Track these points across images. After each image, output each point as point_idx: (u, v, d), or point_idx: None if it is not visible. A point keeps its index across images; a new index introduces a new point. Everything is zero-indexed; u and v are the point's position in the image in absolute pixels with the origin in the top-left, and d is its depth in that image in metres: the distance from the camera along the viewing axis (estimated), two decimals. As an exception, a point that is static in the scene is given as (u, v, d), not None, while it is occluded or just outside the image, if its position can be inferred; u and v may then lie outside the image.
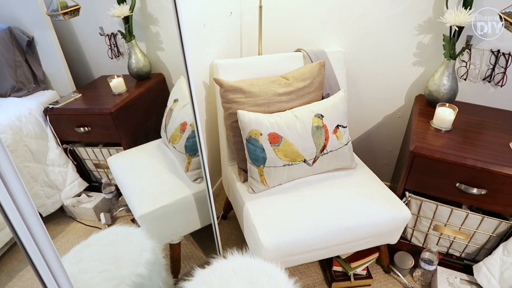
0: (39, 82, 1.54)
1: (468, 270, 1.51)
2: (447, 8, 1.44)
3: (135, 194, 1.47)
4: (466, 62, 1.56)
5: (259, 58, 1.64)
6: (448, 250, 1.59)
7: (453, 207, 1.43)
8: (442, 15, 1.42)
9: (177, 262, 1.59)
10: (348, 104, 1.88)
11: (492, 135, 1.42)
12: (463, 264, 1.56)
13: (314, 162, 1.45)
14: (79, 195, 1.70)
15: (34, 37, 1.46)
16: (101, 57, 1.72)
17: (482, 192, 1.32)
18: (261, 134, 1.38)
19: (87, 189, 1.73)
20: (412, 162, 1.39)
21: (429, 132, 1.45)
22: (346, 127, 1.50)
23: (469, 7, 1.37)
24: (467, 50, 1.52)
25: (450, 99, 1.53)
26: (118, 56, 1.73)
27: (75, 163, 1.66)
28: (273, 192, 1.45)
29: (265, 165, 1.40)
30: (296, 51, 1.71)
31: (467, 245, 1.51)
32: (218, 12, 1.73)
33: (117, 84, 1.65)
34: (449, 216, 1.46)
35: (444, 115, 1.44)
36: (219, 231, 1.90)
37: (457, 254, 1.58)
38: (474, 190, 1.32)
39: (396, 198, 1.42)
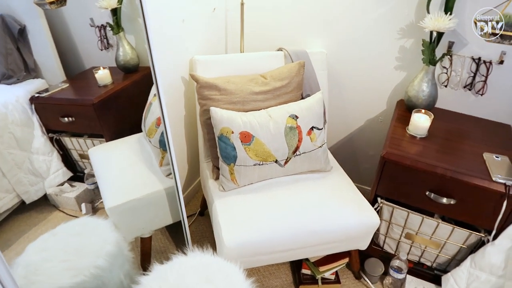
0: (30, 71, 1.55)
1: (438, 281, 1.47)
2: (428, 12, 1.40)
3: (107, 186, 1.49)
4: (447, 69, 1.52)
5: (239, 55, 1.63)
6: (419, 259, 1.56)
7: (424, 216, 1.40)
8: (423, 20, 1.39)
9: (147, 256, 1.59)
10: (330, 106, 1.86)
11: (467, 144, 1.39)
12: (433, 274, 1.53)
13: (286, 163, 1.44)
14: (62, 184, 1.72)
15: (26, 25, 1.48)
16: (92, 48, 1.72)
17: (451, 202, 1.29)
18: (232, 132, 1.38)
19: (73, 179, 1.75)
20: (383, 168, 1.37)
21: (405, 138, 1.43)
22: (321, 129, 1.48)
23: (449, 13, 1.34)
24: (448, 56, 1.48)
25: (429, 106, 1.50)
26: (107, 48, 1.74)
27: (61, 152, 1.69)
28: (242, 191, 1.45)
29: (235, 164, 1.40)
30: (278, 50, 1.69)
31: (438, 255, 1.48)
32: (200, 8, 1.72)
33: (103, 76, 1.66)
34: (420, 224, 1.43)
35: (419, 122, 1.41)
36: (196, 228, 1.92)
37: (429, 264, 1.55)
38: (444, 200, 1.30)
39: (366, 203, 1.40)
